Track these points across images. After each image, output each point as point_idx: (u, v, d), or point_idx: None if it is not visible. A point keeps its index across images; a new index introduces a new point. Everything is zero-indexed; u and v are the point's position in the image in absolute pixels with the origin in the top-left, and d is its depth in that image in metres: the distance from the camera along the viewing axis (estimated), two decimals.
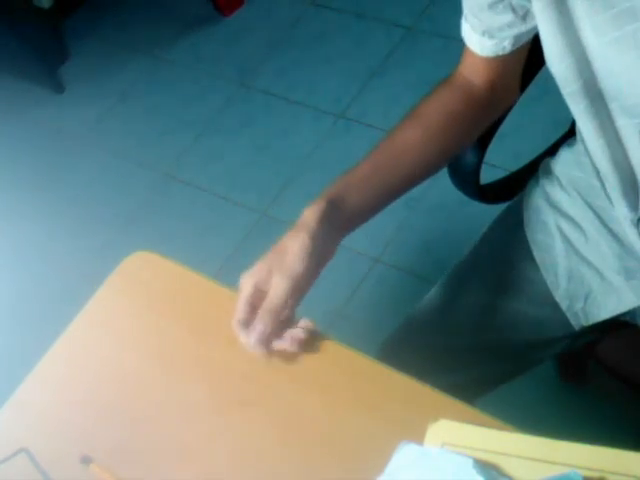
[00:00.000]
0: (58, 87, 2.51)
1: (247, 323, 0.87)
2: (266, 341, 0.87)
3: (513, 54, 0.95)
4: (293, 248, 0.87)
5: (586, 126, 0.88)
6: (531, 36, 0.93)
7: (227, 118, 2.35)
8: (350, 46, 2.38)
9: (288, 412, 0.88)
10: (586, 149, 0.94)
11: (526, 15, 0.89)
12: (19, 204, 2.28)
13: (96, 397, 0.95)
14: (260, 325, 0.86)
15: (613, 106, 0.84)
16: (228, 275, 0.94)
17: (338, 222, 0.90)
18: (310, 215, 0.89)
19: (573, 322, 1.04)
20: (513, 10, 0.89)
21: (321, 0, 2.53)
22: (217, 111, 2.36)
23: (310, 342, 0.91)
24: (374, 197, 0.95)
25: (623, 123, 0.85)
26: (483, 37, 0.93)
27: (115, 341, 0.99)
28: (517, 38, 0.92)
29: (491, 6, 0.89)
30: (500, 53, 0.94)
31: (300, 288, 0.87)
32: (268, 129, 2.28)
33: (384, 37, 2.36)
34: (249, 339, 0.87)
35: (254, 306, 0.88)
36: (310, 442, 0.86)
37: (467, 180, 1.17)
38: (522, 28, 0.91)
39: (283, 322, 0.88)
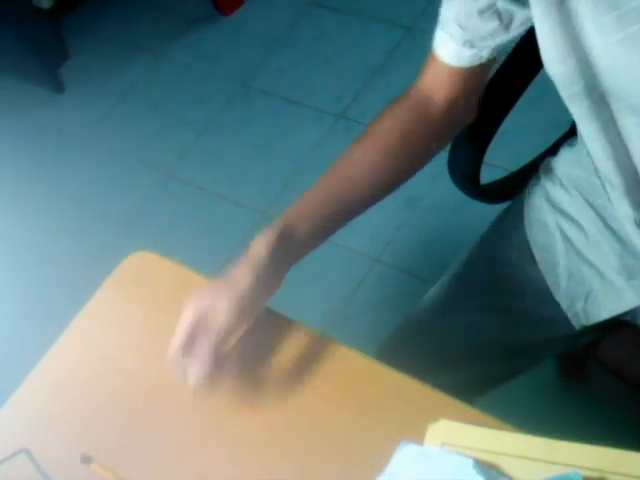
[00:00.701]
0: (58, 87, 2.51)
1: (185, 352, 0.85)
2: (204, 374, 0.84)
3: (485, 65, 0.94)
4: (241, 280, 0.86)
5: (587, 127, 0.88)
6: (506, 48, 0.93)
7: (227, 118, 2.34)
8: (350, 46, 2.38)
9: (288, 412, 0.88)
10: (587, 150, 0.94)
11: (510, 23, 0.89)
12: (19, 204, 2.28)
13: (96, 397, 0.95)
14: (201, 351, 0.84)
15: (616, 106, 0.84)
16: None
17: (288, 253, 0.89)
18: (260, 247, 0.87)
19: (574, 322, 1.04)
20: (499, 17, 0.88)
21: (321, 0, 2.53)
22: (217, 111, 2.36)
23: (310, 342, 0.92)
24: (326, 223, 0.92)
25: (628, 122, 0.85)
26: (464, 47, 0.92)
27: (115, 341, 0.99)
28: (495, 49, 0.92)
29: (481, 12, 0.88)
30: (475, 63, 0.93)
31: (244, 321, 0.87)
32: (268, 129, 2.28)
33: (384, 37, 2.35)
34: (187, 369, 0.85)
35: (194, 335, 0.85)
36: (310, 442, 0.86)
37: (467, 180, 1.17)
38: (504, 38, 0.90)
39: (221, 357, 0.86)
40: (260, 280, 0.86)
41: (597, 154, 0.91)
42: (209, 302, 0.86)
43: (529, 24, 0.89)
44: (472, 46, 0.92)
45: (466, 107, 1.00)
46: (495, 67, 1.15)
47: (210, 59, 2.50)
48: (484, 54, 0.92)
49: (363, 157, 0.95)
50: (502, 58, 1.15)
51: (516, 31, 0.90)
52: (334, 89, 2.30)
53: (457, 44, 0.92)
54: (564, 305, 1.04)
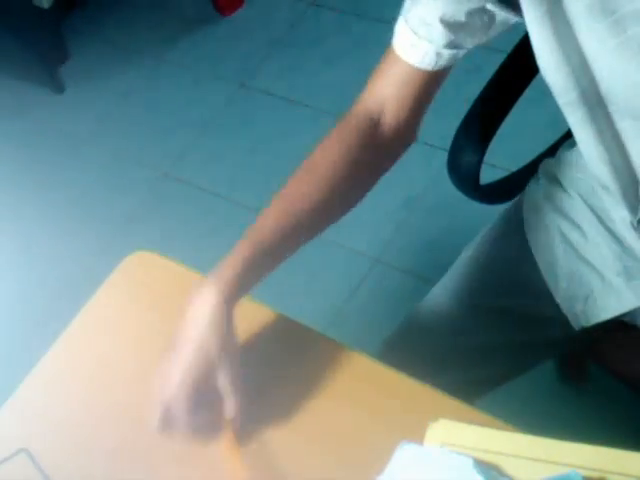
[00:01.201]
0: (58, 87, 2.51)
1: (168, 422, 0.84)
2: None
3: (446, 71, 0.92)
4: (208, 343, 0.82)
5: (584, 133, 0.88)
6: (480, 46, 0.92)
7: (227, 118, 2.34)
8: (350, 46, 2.38)
9: (288, 412, 0.88)
10: (583, 155, 0.94)
11: (491, 26, 0.88)
12: (19, 204, 2.28)
13: (96, 397, 0.95)
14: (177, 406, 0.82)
15: (613, 109, 0.84)
16: None
17: (240, 294, 0.85)
18: (205, 305, 0.83)
19: (573, 323, 1.04)
20: (482, 19, 0.87)
21: (321, 0, 2.53)
22: (217, 111, 2.36)
23: (310, 342, 0.92)
24: (275, 263, 0.89)
25: (625, 125, 0.85)
26: (445, 49, 0.89)
27: (115, 341, 0.99)
28: (467, 51, 0.91)
29: (469, 14, 0.87)
30: (450, 63, 0.91)
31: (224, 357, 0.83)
32: (268, 129, 2.28)
33: (384, 37, 2.35)
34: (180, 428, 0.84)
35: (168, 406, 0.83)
36: (310, 442, 0.86)
37: (467, 180, 1.17)
38: (482, 39, 0.90)
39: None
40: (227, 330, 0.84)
41: (593, 160, 0.91)
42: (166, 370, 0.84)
43: (505, 27, 0.89)
44: (454, 47, 0.90)
45: (413, 125, 0.96)
46: (495, 67, 1.15)
47: (210, 59, 2.49)
48: (461, 54, 0.91)
49: (308, 191, 0.91)
50: (502, 58, 1.16)
51: (494, 32, 0.90)
52: (334, 89, 2.30)
53: (436, 46, 0.89)
54: (564, 306, 1.04)
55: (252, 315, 0.95)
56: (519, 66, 1.14)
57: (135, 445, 0.90)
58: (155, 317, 0.98)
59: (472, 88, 1.16)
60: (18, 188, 2.31)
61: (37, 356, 0.99)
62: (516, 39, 1.12)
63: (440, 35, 0.89)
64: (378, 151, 0.94)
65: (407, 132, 0.96)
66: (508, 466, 0.77)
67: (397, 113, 0.94)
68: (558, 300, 1.05)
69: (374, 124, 0.94)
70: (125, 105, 2.46)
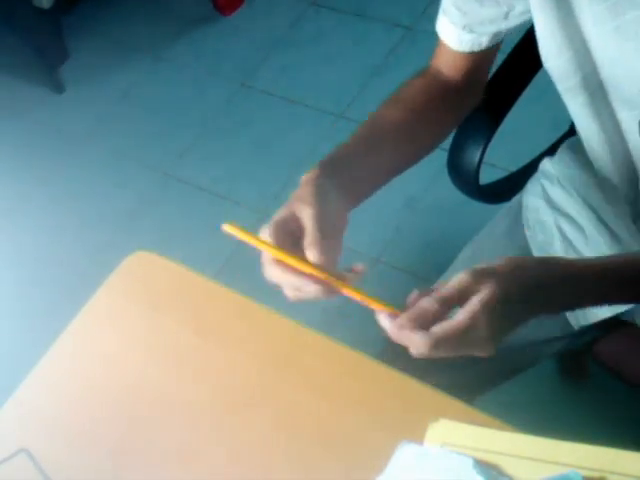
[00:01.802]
0: (58, 87, 2.51)
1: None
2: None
3: (486, 52, 0.97)
4: (302, 192, 0.84)
5: (585, 121, 0.88)
6: (505, 36, 0.95)
7: (227, 118, 2.34)
8: (350, 46, 2.38)
9: (288, 412, 0.88)
10: (585, 146, 0.94)
11: (509, 12, 0.89)
12: (19, 204, 2.28)
13: (96, 397, 0.95)
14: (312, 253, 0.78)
15: (613, 98, 0.84)
16: (228, 275, 0.94)
17: (337, 179, 0.88)
18: (307, 175, 0.87)
19: (572, 321, 1.04)
20: (498, 4, 0.89)
21: (321, 0, 2.53)
22: (217, 111, 2.36)
23: (310, 342, 0.92)
24: (365, 169, 0.93)
25: (624, 116, 0.85)
26: (463, 31, 0.94)
27: (115, 341, 0.99)
28: (495, 35, 0.93)
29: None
30: (476, 49, 0.96)
31: (327, 219, 0.82)
32: (268, 129, 2.28)
33: (384, 37, 2.35)
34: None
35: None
36: (310, 442, 0.86)
37: (467, 180, 1.17)
38: (502, 25, 0.92)
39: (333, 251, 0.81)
40: (320, 189, 0.84)
41: (594, 150, 0.91)
42: (283, 215, 0.83)
43: (529, 15, 0.89)
44: (471, 31, 0.93)
45: (474, 87, 1.03)
46: (495, 67, 1.15)
47: (210, 59, 2.49)
48: (483, 40, 0.94)
49: (394, 115, 0.97)
50: (502, 58, 1.16)
51: (516, 20, 0.91)
52: (334, 89, 2.30)
53: (457, 28, 0.94)
54: None
55: (252, 315, 0.95)
56: (519, 66, 1.14)
57: (135, 445, 0.90)
58: (155, 317, 0.98)
59: None
60: (18, 188, 2.31)
61: (37, 356, 0.99)
62: (516, 39, 1.12)
63: (457, 18, 0.93)
64: (449, 94, 1.01)
65: (471, 88, 1.03)
66: (508, 466, 0.77)
67: (451, 78, 1.00)
68: None
69: (442, 76, 1.01)
70: (125, 105, 2.46)
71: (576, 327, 1.05)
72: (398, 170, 0.98)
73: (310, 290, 0.78)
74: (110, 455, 0.89)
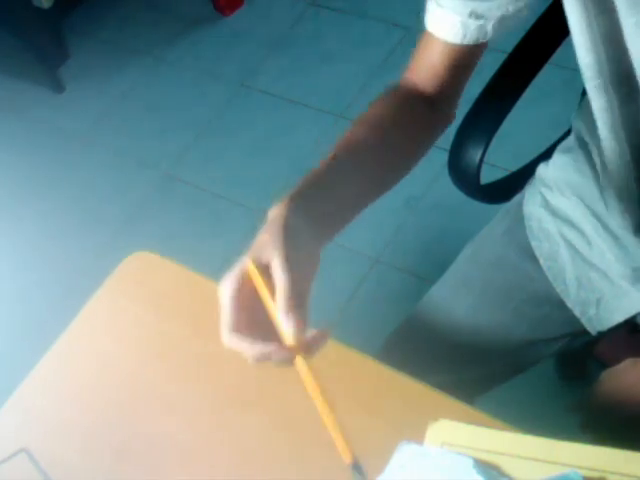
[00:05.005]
0: (58, 87, 2.51)
1: (238, 326, 0.75)
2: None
3: (479, 48, 0.93)
4: (271, 234, 0.78)
5: (608, 121, 0.87)
6: (508, 25, 0.91)
7: (227, 118, 2.34)
8: (350, 46, 2.38)
9: (288, 412, 0.88)
10: (598, 145, 0.92)
11: None
12: (19, 204, 2.27)
13: (96, 397, 0.95)
14: (286, 318, 0.73)
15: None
16: None
17: (309, 215, 0.82)
18: (276, 212, 0.81)
19: (589, 328, 1.04)
20: None
21: (321, 0, 2.53)
22: (217, 111, 2.36)
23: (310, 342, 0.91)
24: (336, 199, 0.87)
25: None
26: (470, 19, 0.89)
27: (115, 341, 0.99)
28: (500, 22, 0.90)
29: None
30: (481, 39, 0.91)
31: (297, 263, 0.76)
32: (268, 129, 2.28)
33: (384, 37, 2.35)
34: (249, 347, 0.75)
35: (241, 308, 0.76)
36: (310, 442, 0.86)
37: (467, 180, 1.17)
38: (510, 7, 0.88)
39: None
40: (289, 231, 0.78)
41: (607, 149, 0.90)
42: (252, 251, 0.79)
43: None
44: (477, 17, 0.89)
45: (451, 103, 0.98)
46: (495, 67, 1.15)
47: (210, 59, 2.49)
48: (489, 28, 0.90)
49: (364, 136, 0.92)
50: (503, 58, 1.16)
51: (521, 2, 0.88)
52: (334, 89, 2.30)
53: (461, 17, 0.89)
54: (577, 311, 1.04)
55: None
56: (519, 66, 1.14)
57: (135, 445, 0.90)
58: (155, 317, 0.98)
59: (472, 88, 1.16)
60: (18, 188, 2.31)
61: (37, 356, 0.99)
62: (516, 39, 1.12)
63: (461, 6, 0.89)
64: (417, 117, 0.96)
65: (442, 108, 0.98)
66: (508, 466, 0.77)
67: (435, 87, 0.96)
68: (570, 306, 1.04)
69: (413, 94, 0.96)
70: (125, 105, 2.46)
71: (593, 333, 1.05)
72: (371, 197, 0.92)
73: (280, 359, 0.75)
74: (110, 455, 0.89)
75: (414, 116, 0.96)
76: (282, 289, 0.74)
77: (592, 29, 0.81)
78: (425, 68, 0.96)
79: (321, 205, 0.84)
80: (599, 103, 0.86)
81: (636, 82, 0.83)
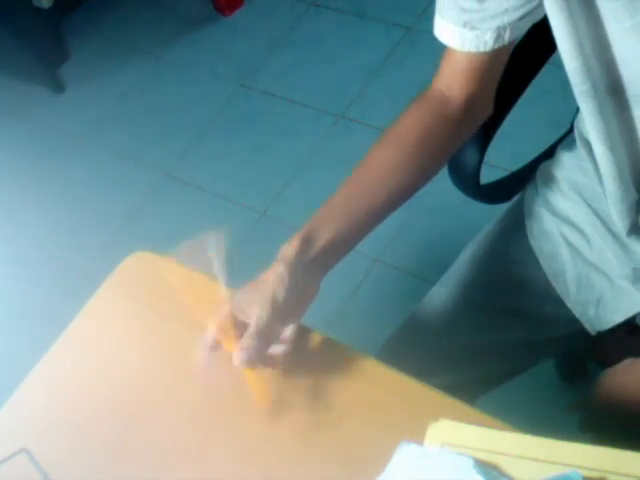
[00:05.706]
0: (58, 87, 2.51)
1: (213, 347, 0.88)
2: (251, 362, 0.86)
3: (494, 54, 0.93)
4: (271, 277, 0.86)
5: (599, 123, 0.87)
6: (511, 34, 0.92)
7: (227, 118, 2.34)
8: (350, 46, 2.38)
9: (288, 412, 0.88)
10: (592, 147, 0.93)
11: (510, 5, 0.88)
12: (19, 204, 2.28)
13: (96, 397, 0.94)
14: (246, 345, 0.85)
15: (629, 95, 0.84)
16: (228, 275, 0.94)
17: (315, 257, 0.89)
18: (286, 251, 0.88)
19: (589, 328, 1.04)
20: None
21: (321, 0, 2.53)
22: (217, 111, 2.36)
23: (310, 342, 0.91)
24: (350, 228, 0.93)
25: (636, 114, 0.85)
26: (464, 29, 0.91)
27: (115, 341, 0.98)
28: (498, 32, 0.90)
29: None
30: (481, 49, 0.92)
31: (281, 316, 0.86)
32: (268, 129, 2.28)
33: (384, 37, 2.35)
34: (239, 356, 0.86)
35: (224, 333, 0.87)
36: (310, 442, 0.86)
37: (467, 180, 1.17)
38: (504, 19, 0.89)
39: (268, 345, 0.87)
40: (289, 279, 0.86)
41: (601, 152, 0.90)
42: (242, 304, 0.87)
43: (530, 7, 0.88)
44: (472, 28, 0.90)
45: (483, 101, 0.99)
46: None
47: (210, 59, 2.50)
48: (487, 39, 0.91)
49: (385, 157, 0.95)
50: None
51: (515, 13, 0.89)
52: (334, 89, 2.30)
53: (457, 27, 0.91)
54: (576, 311, 1.04)
55: None
56: (519, 66, 1.14)
57: (135, 445, 0.90)
58: (155, 317, 0.98)
59: None
60: (18, 188, 2.31)
61: (37, 356, 0.99)
62: (517, 39, 1.12)
63: (456, 17, 0.91)
64: (449, 125, 0.97)
65: (478, 107, 0.99)
66: (508, 466, 0.77)
67: (461, 94, 0.97)
68: (570, 306, 1.04)
69: (443, 100, 0.97)
70: (125, 105, 2.46)
71: (593, 333, 1.05)
72: (387, 215, 0.99)
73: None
74: (110, 455, 0.89)
75: (440, 126, 0.97)
76: (257, 331, 0.85)
77: (578, 35, 0.81)
78: (447, 75, 0.97)
79: (330, 241, 0.91)
80: (588, 108, 0.86)
81: (624, 88, 0.83)
